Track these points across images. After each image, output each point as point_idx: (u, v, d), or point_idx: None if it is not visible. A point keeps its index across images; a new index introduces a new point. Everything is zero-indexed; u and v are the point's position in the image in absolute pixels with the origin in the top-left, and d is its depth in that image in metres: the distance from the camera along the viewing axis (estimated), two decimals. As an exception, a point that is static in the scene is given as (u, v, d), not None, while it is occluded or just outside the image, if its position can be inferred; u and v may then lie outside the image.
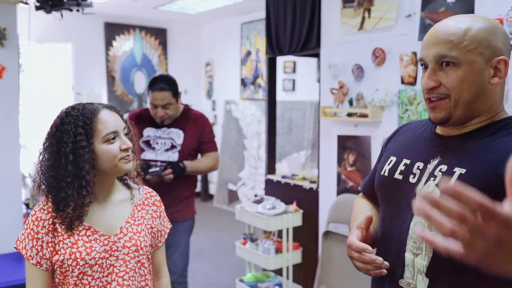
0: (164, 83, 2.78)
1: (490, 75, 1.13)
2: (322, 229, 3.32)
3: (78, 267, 1.39)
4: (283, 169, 5.83)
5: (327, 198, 3.31)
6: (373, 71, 2.95)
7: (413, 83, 2.72)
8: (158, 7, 6.31)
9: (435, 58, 1.15)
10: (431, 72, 1.16)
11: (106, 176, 1.47)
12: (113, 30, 6.90)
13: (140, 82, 7.24)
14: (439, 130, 1.25)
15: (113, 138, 1.43)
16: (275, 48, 3.69)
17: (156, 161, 2.83)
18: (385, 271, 1.20)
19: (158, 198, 1.63)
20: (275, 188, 3.77)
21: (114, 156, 1.42)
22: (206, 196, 7.56)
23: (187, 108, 2.99)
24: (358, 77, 3.03)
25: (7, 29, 3.24)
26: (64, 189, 1.37)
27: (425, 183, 1.17)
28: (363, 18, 2.98)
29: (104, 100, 6.87)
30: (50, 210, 1.41)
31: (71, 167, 1.37)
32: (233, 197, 6.99)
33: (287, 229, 3.37)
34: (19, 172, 3.48)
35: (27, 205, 3.63)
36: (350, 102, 3.07)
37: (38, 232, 1.40)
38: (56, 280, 1.45)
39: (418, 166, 1.22)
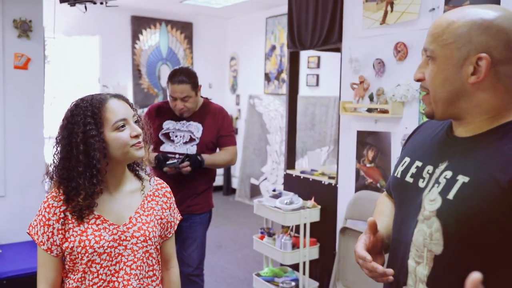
0: (183, 76, 2.79)
1: (468, 72, 1.05)
2: (340, 225, 3.29)
3: (87, 254, 1.41)
4: (304, 164, 5.80)
5: (346, 194, 3.27)
6: (395, 66, 2.90)
7: (435, 78, 2.66)
8: (184, 1, 6.35)
9: (423, 50, 1.15)
10: (422, 64, 1.15)
11: (118, 165, 1.48)
12: (139, 23, 6.97)
13: (166, 76, 7.24)
14: (454, 129, 1.19)
15: (123, 126, 1.45)
16: (296, 42, 3.67)
17: (174, 153, 2.85)
18: (391, 277, 1.16)
19: (169, 189, 1.65)
20: (293, 183, 3.75)
21: (125, 143, 1.44)
22: (228, 190, 7.58)
23: (206, 102, 3.00)
24: (379, 72, 2.98)
25: (32, 21, 3.31)
26: (76, 178, 1.40)
27: (430, 190, 1.13)
28: (386, 12, 2.93)
29: (130, 93, 6.97)
30: (62, 198, 1.44)
31: (82, 157, 1.39)
32: (255, 191, 7.00)
33: (305, 225, 3.35)
34: (43, 162, 3.56)
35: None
36: (371, 98, 3.02)
37: (49, 219, 1.44)
38: (66, 266, 1.48)
39: (428, 170, 1.17)
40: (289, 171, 3.85)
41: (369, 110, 3.02)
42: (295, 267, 3.63)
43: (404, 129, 2.85)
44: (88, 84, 6.33)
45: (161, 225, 1.57)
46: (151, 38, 7.09)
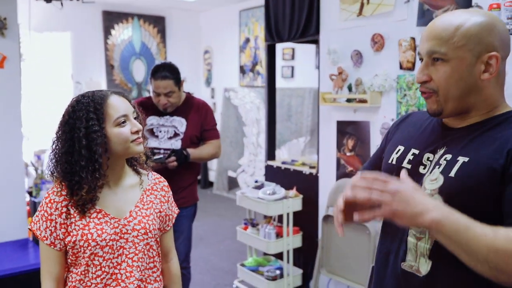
0: (167, 71, 2.81)
1: (480, 70, 1.16)
2: (321, 213, 3.37)
3: (89, 248, 1.44)
4: (282, 155, 5.87)
5: (327, 183, 3.36)
6: (372, 57, 2.98)
7: (411, 68, 2.75)
8: (156, -5, 6.31)
9: (427, 53, 1.20)
10: (424, 66, 1.21)
11: (118, 160, 1.52)
12: (111, 18, 6.89)
13: (139, 71, 7.26)
14: (446, 120, 1.28)
15: (124, 122, 1.49)
16: (274, 35, 3.71)
17: (159, 149, 2.87)
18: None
19: (166, 183, 1.69)
20: (275, 174, 3.82)
21: (126, 138, 1.48)
22: (206, 183, 7.61)
23: (189, 96, 3.02)
24: (357, 63, 3.06)
25: (7, 19, 3.25)
26: (78, 172, 1.43)
27: (431, 171, 1.21)
28: (362, 4, 3.00)
29: (104, 88, 6.89)
30: (64, 193, 1.47)
31: (84, 151, 1.42)
32: (232, 184, 7.05)
33: (288, 214, 3.42)
34: (21, 161, 3.52)
35: (30, 193, 3.67)
36: (349, 88, 3.10)
37: (52, 214, 1.46)
38: (69, 260, 1.50)
39: (428, 158, 1.25)
40: (270, 162, 3.91)
41: (348, 100, 3.10)
42: (278, 256, 3.71)
43: (383, 118, 2.94)
44: (60, 80, 6.23)
45: (160, 218, 1.61)
46: (123, 33, 7.03)
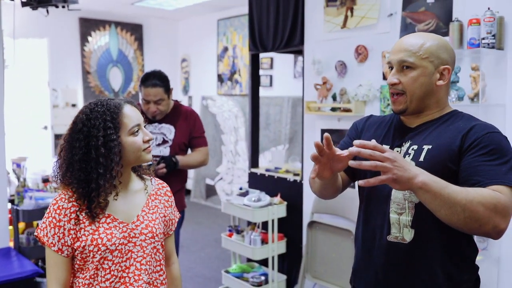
0: (156, 79, 2.84)
1: (436, 78, 1.48)
2: (306, 219, 3.45)
3: (99, 252, 1.47)
4: (260, 163, 5.93)
5: (311, 190, 3.43)
6: (356, 68, 3.09)
7: (394, 79, 2.87)
8: (135, 3, 6.31)
9: (398, 62, 1.49)
10: (395, 72, 1.51)
11: (127, 168, 1.55)
12: (88, 25, 6.85)
13: (116, 78, 7.22)
14: (404, 122, 1.58)
15: (137, 131, 1.53)
16: (258, 44, 3.79)
17: None
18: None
19: (169, 188, 1.73)
20: (258, 181, 3.88)
21: (139, 147, 1.53)
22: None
23: (177, 104, 3.06)
24: (342, 73, 3.16)
25: (-8, 25, 3.23)
26: (96, 180, 1.45)
27: None
28: (346, 17, 3.11)
29: (80, 96, 6.83)
30: (72, 200, 1.48)
31: (102, 159, 1.45)
32: (210, 191, 7.07)
33: (273, 221, 3.49)
34: (4, 169, 3.48)
35: (11, 201, 3.62)
36: (334, 97, 3.19)
37: (60, 220, 1.47)
38: (76, 266, 1.52)
39: (397, 151, 1.53)
40: (253, 170, 3.97)
41: (333, 109, 3.20)
42: (262, 262, 3.76)
43: (367, 127, 3.05)
44: (37, 87, 6.15)
45: (165, 222, 1.64)
46: (100, 40, 6.99)
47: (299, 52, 3.67)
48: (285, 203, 3.58)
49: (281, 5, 3.55)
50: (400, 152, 1.51)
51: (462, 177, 1.37)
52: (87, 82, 6.91)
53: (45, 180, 3.82)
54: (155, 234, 1.57)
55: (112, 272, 1.50)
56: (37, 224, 3.56)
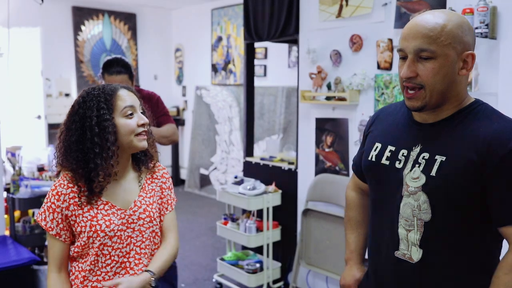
0: (120, 66, 2.81)
1: (459, 67, 1.26)
2: (300, 207, 3.49)
3: (98, 238, 1.49)
4: (255, 153, 5.95)
5: (306, 178, 3.47)
6: (351, 57, 3.11)
7: (389, 68, 2.89)
8: (128, -8, 6.27)
9: (414, 50, 1.26)
10: (410, 63, 1.27)
11: (123, 153, 1.56)
12: (81, 14, 6.81)
13: (110, 68, 7.18)
14: (416, 116, 1.38)
15: (131, 114, 1.54)
16: (253, 34, 3.80)
17: None
18: None
19: (166, 170, 1.75)
20: (253, 170, 3.90)
21: (132, 130, 1.53)
22: (177, 181, 7.62)
23: (138, 89, 3.08)
24: (336, 62, 3.18)
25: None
26: (93, 159, 1.47)
27: (411, 169, 1.33)
28: (341, 6, 3.13)
29: (74, 85, 6.81)
30: (71, 185, 1.51)
31: (97, 139, 1.47)
32: (204, 181, 7.09)
33: (267, 209, 3.52)
34: (0, 158, 3.48)
35: (7, 190, 3.63)
36: (329, 86, 3.22)
37: (59, 206, 1.51)
38: (77, 252, 1.54)
39: (403, 153, 1.37)
40: (248, 159, 4.00)
41: (328, 98, 3.22)
42: (257, 250, 3.80)
43: (361, 115, 3.08)
44: (30, 77, 6.11)
45: (162, 204, 1.67)
46: (93, 29, 6.95)
47: (294, 41, 3.68)
48: (280, 191, 3.62)
49: (276, -6, 3.56)
50: (409, 160, 1.34)
51: (492, 209, 1.25)
52: (81, 71, 6.88)
53: (41, 169, 3.83)
54: (152, 218, 1.59)
55: (112, 258, 1.53)
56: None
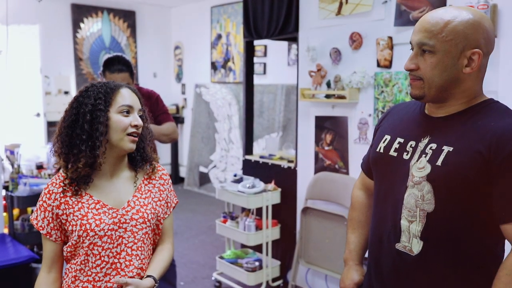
0: (121, 65, 2.81)
1: (463, 64, 1.26)
2: (300, 206, 3.48)
3: (88, 238, 1.48)
4: (254, 151, 5.95)
5: (305, 176, 3.46)
6: (351, 55, 3.10)
7: (388, 66, 2.88)
8: (127, -11, 6.26)
9: (418, 44, 1.30)
10: (413, 56, 1.32)
11: (113, 150, 1.54)
12: (80, 12, 6.79)
13: (109, 65, 7.16)
14: (427, 110, 1.40)
15: (128, 112, 1.53)
16: (252, 31, 3.78)
17: None
18: None
19: (165, 171, 1.72)
20: (253, 168, 3.90)
21: (124, 127, 1.51)
22: (177, 179, 7.62)
23: (138, 87, 3.07)
24: (336, 60, 3.17)
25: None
26: (78, 145, 1.47)
27: (418, 159, 1.33)
28: (341, 4, 3.12)
29: (73, 83, 6.79)
30: (62, 184, 1.50)
31: (87, 126, 1.47)
32: (204, 179, 7.08)
33: (267, 207, 3.51)
34: (-2, 155, 3.47)
35: (6, 188, 3.62)
36: (328, 84, 3.21)
37: (50, 205, 1.51)
38: (68, 252, 1.53)
39: (411, 145, 1.37)
40: (247, 157, 3.99)
41: (327, 96, 3.21)
42: (256, 248, 3.79)
43: (360, 113, 3.07)
44: (29, 74, 6.10)
45: (161, 206, 1.64)
46: (92, 27, 6.93)
47: (294, 39, 3.67)
48: (279, 189, 3.61)
49: (276, -8, 3.55)
50: (416, 150, 1.35)
51: (495, 205, 1.24)
52: (80, 69, 6.87)
53: (39, 167, 3.83)
54: (146, 220, 1.56)
55: (102, 258, 1.50)
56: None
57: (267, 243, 3.56)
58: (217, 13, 6.83)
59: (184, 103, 7.58)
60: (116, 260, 1.52)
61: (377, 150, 1.48)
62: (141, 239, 1.56)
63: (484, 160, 1.22)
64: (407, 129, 1.42)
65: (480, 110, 1.31)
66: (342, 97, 3.10)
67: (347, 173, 3.19)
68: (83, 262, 1.50)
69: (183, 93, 7.63)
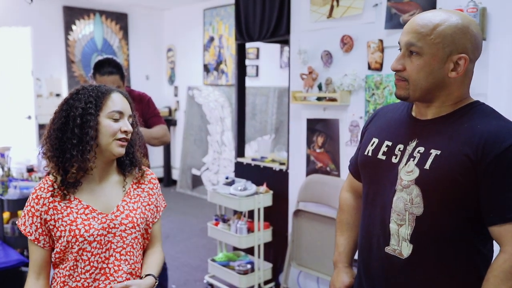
0: (112, 67, 2.80)
1: (449, 68, 1.27)
2: (291, 208, 3.48)
3: (77, 243, 1.46)
4: (247, 153, 5.94)
5: (297, 178, 3.46)
6: (342, 57, 3.11)
7: (379, 68, 2.89)
8: (119, -8, 6.24)
9: (405, 44, 1.30)
10: (400, 56, 1.32)
11: (102, 155, 1.53)
12: (72, 14, 6.77)
13: (101, 68, 7.14)
14: (414, 113, 1.40)
15: (117, 118, 1.52)
16: (244, 34, 3.79)
17: None
18: None
19: (154, 176, 1.72)
20: (244, 171, 3.89)
21: (113, 133, 1.50)
22: (169, 181, 7.60)
23: (129, 90, 3.07)
24: (327, 63, 3.18)
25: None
26: (70, 150, 1.46)
27: (406, 163, 1.34)
28: (332, 7, 3.13)
29: (65, 86, 6.76)
30: (51, 189, 1.49)
31: (77, 130, 1.46)
32: (196, 182, 7.07)
33: (258, 209, 3.51)
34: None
35: (-5, 191, 3.59)
36: (320, 87, 3.21)
37: (38, 210, 1.48)
38: (56, 258, 1.51)
39: (399, 148, 1.38)
40: (239, 159, 3.99)
41: (319, 99, 3.22)
42: (248, 251, 3.79)
43: (352, 116, 3.08)
44: (20, 77, 6.06)
45: (150, 211, 1.63)
46: (84, 29, 6.91)
47: (286, 42, 3.67)
48: (271, 192, 3.61)
49: (267, -5, 3.55)
50: (404, 154, 1.35)
51: (483, 207, 1.25)
52: (72, 71, 6.84)
53: (30, 170, 3.80)
54: (135, 224, 1.55)
55: (91, 264, 1.49)
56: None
57: (259, 246, 3.55)
58: (210, 15, 6.84)
59: (176, 105, 7.57)
60: (105, 265, 1.51)
61: (365, 153, 1.49)
62: (130, 243, 1.55)
63: (471, 163, 1.23)
64: (394, 132, 1.42)
65: (466, 112, 1.31)
66: (334, 100, 3.11)
67: (338, 175, 3.20)
68: (72, 268, 1.49)
69: (176, 95, 7.61)
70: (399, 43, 1.33)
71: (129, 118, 1.57)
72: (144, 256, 1.65)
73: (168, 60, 7.73)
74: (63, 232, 1.46)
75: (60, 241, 1.47)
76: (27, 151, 4.46)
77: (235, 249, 3.95)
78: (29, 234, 1.49)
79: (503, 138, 1.21)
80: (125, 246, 1.53)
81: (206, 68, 6.99)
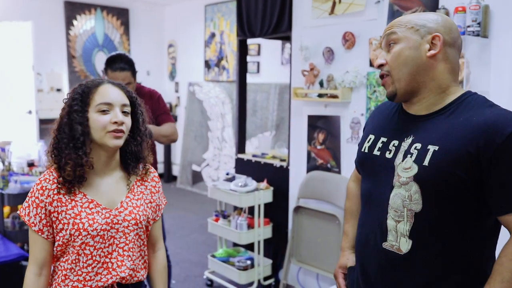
0: (124, 63, 2.80)
1: (426, 49, 1.31)
2: (292, 205, 3.48)
3: (80, 237, 1.46)
4: (247, 150, 5.94)
5: (297, 175, 3.46)
6: (343, 54, 3.10)
7: (381, 65, 2.88)
8: (121, -13, 6.23)
9: (385, 39, 1.37)
10: (383, 53, 1.38)
11: (100, 149, 1.53)
12: (73, 9, 6.76)
13: (102, 63, 7.13)
14: (408, 109, 1.41)
15: (105, 110, 1.50)
16: (246, 30, 3.78)
17: None
18: None
19: (157, 174, 1.73)
20: (245, 167, 3.89)
21: (103, 126, 1.49)
22: (169, 177, 7.60)
23: (139, 86, 3.06)
24: (329, 59, 3.17)
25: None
26: (63, 149, 1.48)
27: (403, 160, 1.33)
28: (334, 3, 3.12)
29: (66, 80, 6.76)
30: (55, 180, 1.49)
31: (66, 129, 1.48)
32: (196, 178, 7.07)
33: (259, 206, 3.51)
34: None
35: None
36: (321, 84, 3.21)
37: (42, 201, 1.48)
38: (58, 250, 1.51)
39: (394, 144, 1.39)
40: (240, 156, 3.99)
41: (320, 96, 3.22)
42: (248, 247, 3.79)
43: (353, 113, 3.07)
44: (21, 71, 6.06)
45: (151, 208, 1.64)
46: (85, 24, 6.90)
47: (287, 38, 3.67)
48: (271, 188, 3.61)
49: (269, -9, 3.54)
50: (400, 150, 1.35)
51: (491, 198, 1.25)
52: (72, 66, 6.83)
53: (30, 164, 3.80)
54: (138, 221, 1.56)
55: (94, 258, 1.49)
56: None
57: (259, 242, 3.56)
58: (211, 11, 6.82)
59: (177, 101, 7.57)
60: (107, 260, 1.51)
61: (362, 150, 1.51)
62: (133, 240, 1.56)
63: (471, 157, 1.22)
64: (389, 128, 1.44)
65: (459, 105, 1.31)
66: (335, 97, 3.10)
67: (339, 172, 3.20)
68: (74, 261, 1.49)
69: (177, 91, 7.61)
70: (380, 44, 1.40)
71: (122, 108, 1.53)
72: (149, 265, 1.69)
73: (169, 56, 7.72)
74: (66, 225, 1.47)
75: (61, 234, 1.48)
76: (27, 146, 4.46)
77: (235, 245, 3.95)
78: (33, 224, 1.49)
79: (503, 127, 1.20)
80: (127, 242, 1.54)
81: (207, 64, 6.98)
